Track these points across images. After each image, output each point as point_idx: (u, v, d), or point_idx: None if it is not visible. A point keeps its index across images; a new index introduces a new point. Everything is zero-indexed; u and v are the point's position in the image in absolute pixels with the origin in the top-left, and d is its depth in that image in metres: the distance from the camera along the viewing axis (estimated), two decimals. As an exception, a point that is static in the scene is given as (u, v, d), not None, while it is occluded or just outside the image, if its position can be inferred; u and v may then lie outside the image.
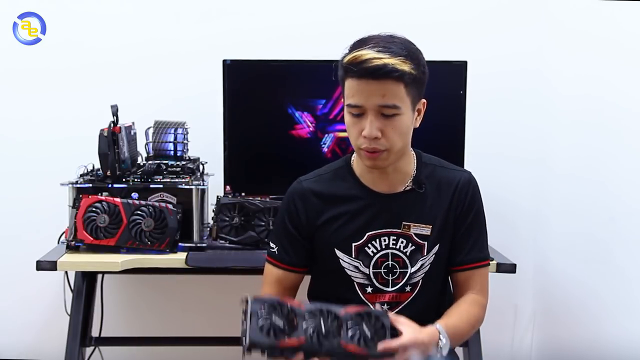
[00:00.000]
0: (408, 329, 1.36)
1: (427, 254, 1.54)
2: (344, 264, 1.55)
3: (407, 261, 1.54)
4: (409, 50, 1.42)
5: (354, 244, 1.53)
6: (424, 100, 1.50)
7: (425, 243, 1.54)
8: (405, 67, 1.39)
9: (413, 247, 1.54)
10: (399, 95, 1.40)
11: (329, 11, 2.36)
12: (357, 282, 1.56)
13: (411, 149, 1.57)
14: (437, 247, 1.54)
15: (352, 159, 1.59)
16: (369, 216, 1.53)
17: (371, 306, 1.55)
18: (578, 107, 2.18)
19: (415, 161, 1.57)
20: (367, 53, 1.38)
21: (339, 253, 1.55)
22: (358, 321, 1.35)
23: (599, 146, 2.03)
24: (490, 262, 1.67)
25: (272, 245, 1.61)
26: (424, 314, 1.53)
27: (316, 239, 1.57)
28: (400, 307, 1.56)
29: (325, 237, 1.55)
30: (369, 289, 1.56)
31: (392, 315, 1.38)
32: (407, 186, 1.55)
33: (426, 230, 1.53)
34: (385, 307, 1.55)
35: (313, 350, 1.30)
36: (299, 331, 1.31)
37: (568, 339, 2.22)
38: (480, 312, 1.56)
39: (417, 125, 1.51)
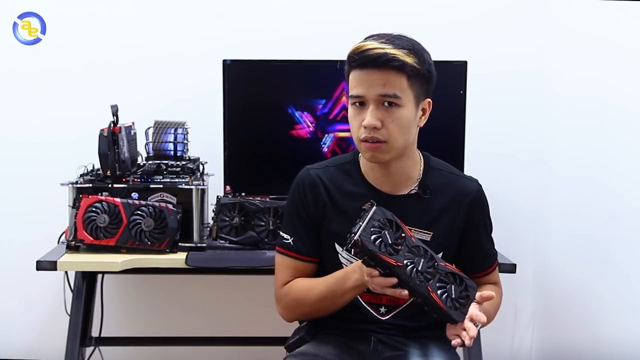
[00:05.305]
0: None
1: None
2: (342, 260, 1.54)
3: None
4: (413, 46, 1.44)
5: None
6: (429, 100, 1.50)
7: None
8: (408, 59, 1.41)
9: None
10: (400, 86, 1.41)
11: (329, 11, 2.35)
12: None
13: (419, 151, 1.57)
14: (439, 255, 1.50)
15: (360, 155, 1.57)
16: None
17: (371, 311, 1.55)
18: (578, 108, 2.17)
19: (422, 165, 1.56)
20: (370, 43, 1.42)
21: (338, 247, 1.54)
22: (450, 279, 1.40)
23: (598, 146, 2.03)
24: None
25: (285, 236, 1.56)
26: (423, 317, 1.54)
27: (320, 229, 1.55)
28: (399, 309, 1.55)
29: (328, 229, 1.54)
30: (366, 288, 1.54)
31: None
32: (412, 190, 1.54)
33: (425, 236, 1.51)
34: (383, 309, 1.56)
35: (403, 277, 1.35)
36: (399, 256, 1.36)
37: (568, 339, 2.22)
38: (499, 298, 1.63)
39: (421, 124, 1.51)
